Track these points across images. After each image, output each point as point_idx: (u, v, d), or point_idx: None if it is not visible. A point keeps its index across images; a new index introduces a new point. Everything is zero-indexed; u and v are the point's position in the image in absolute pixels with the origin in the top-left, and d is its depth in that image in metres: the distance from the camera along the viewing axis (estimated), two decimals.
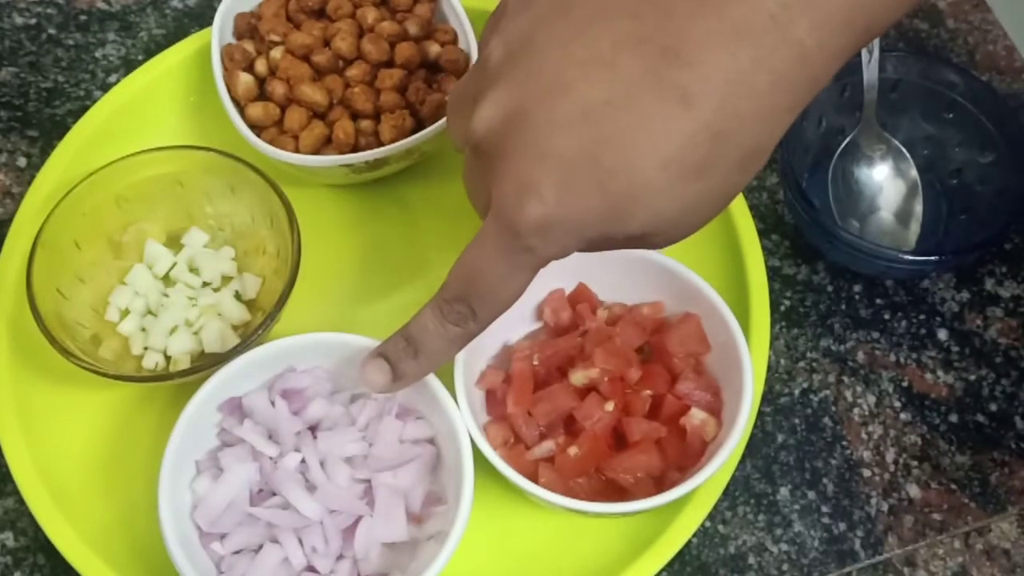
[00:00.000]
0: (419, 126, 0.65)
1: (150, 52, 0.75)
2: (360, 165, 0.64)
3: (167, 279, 0.65)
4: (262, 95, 0.66)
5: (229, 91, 0.66)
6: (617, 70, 0.39)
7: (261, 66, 0.66)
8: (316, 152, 0.65)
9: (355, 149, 0.65)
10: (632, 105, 0.39)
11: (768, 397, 0.64)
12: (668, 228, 0.42)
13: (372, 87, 0.66)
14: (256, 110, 0.65)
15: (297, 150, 0.64)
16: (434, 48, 0.68)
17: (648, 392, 0.57)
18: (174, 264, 0.65)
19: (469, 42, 0.68)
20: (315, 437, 0.56)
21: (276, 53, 0.66)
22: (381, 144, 0.64)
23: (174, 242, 0.66)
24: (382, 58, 0.66)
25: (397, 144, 0.63)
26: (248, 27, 0.69)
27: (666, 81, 0.38)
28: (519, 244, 0.42)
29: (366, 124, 0.65)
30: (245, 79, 0.66)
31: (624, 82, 0.39)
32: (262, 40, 0.67)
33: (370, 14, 0.68)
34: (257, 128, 0.65)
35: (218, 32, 0.68)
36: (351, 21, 0.68)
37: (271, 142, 0.64)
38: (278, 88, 0.65)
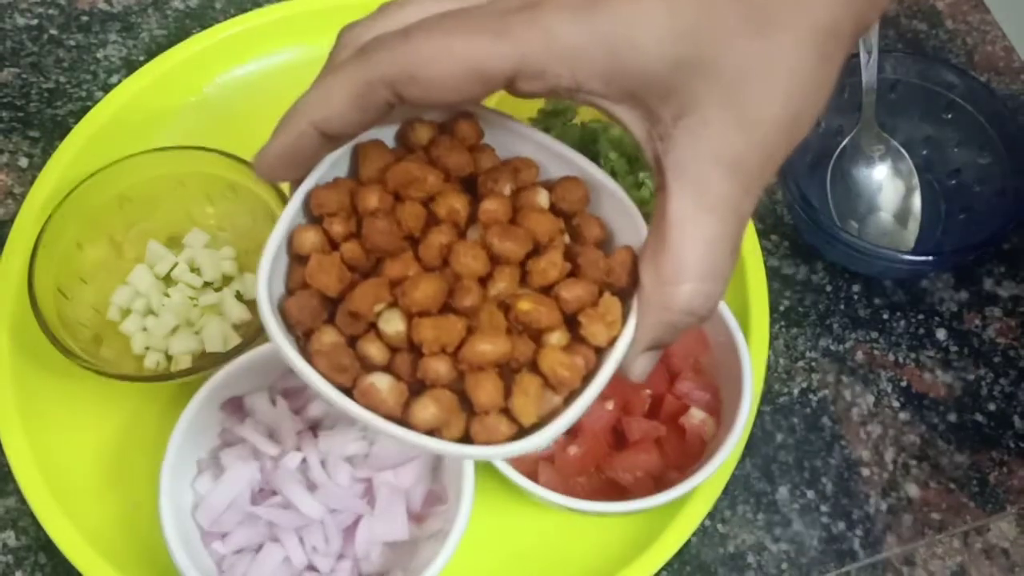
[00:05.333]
0: None
1: (151, 53, 0.75)
2: None
3: (168, 279, 0.65)
4: None
5: None
6: None
7: None
8: None
9: None
10: None
11: (767, 397, 0.64)
12: None
13: None
14: None
15: None
16: None
17: (647, 391, 0.57)
18: (175, 264, 0.65)
19: None
20: (316, 436, 0.56)
21: None
22: None
23: (175, 242, 0.66)
24: None
25: None
26: None
27: None
28: None
29: None
30: None
31: None
32: None
33: None
34: None
35: None
36: None
37: None
38: None
